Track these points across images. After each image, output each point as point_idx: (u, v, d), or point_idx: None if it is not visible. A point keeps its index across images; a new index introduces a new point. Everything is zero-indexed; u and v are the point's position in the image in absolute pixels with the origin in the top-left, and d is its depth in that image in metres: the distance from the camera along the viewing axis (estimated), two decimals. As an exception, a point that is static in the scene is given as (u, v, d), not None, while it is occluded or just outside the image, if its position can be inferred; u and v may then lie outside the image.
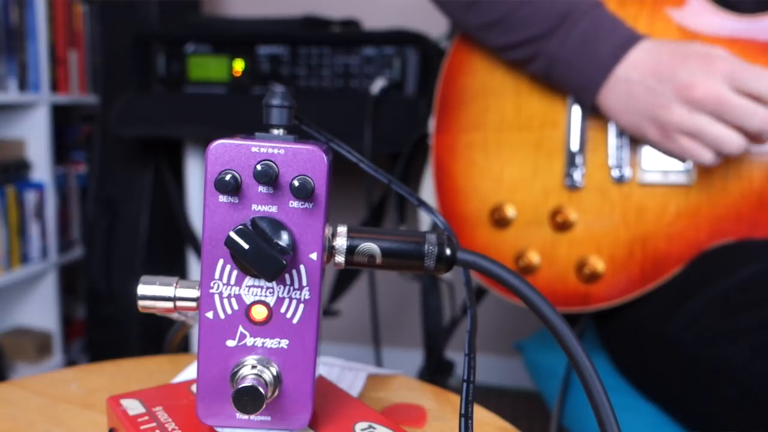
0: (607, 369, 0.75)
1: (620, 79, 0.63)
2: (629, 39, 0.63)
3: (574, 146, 0.69)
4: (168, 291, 0.33)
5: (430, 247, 0.32)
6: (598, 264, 0.67)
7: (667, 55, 0.61)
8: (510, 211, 0.70)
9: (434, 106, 0.75)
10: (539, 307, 0.30)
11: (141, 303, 0.33)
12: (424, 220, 0.87)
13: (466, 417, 0.33)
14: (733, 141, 0.59)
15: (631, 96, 0.63)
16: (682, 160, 0.64)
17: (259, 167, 0.30)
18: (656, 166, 0.66)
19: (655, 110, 0.61)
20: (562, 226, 0.68)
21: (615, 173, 0.67)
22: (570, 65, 0.65)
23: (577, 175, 0.68)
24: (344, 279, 1.19)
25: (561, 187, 0.69)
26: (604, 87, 0.64)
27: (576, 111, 0.69)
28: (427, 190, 0.81)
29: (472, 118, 0.73)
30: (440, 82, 0.75)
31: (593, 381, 0.29)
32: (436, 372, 0.95)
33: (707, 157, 0.60)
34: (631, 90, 0.62)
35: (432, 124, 0.76)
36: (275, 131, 0.33)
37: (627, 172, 0.67)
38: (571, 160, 0.69)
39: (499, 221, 0.70)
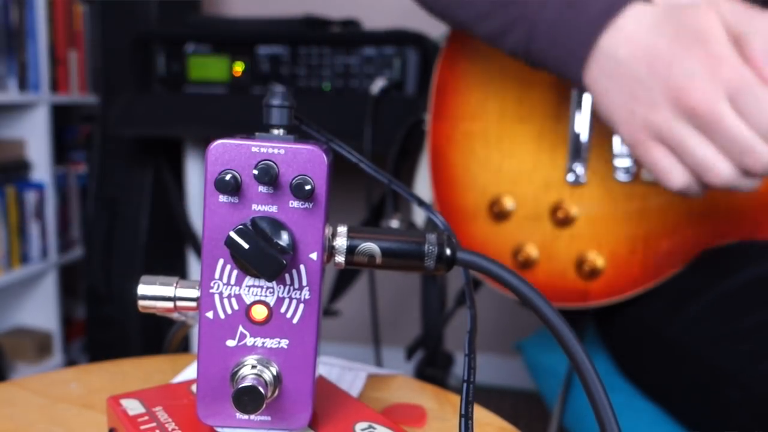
0: (608, 369, 0.75)
1: (605, 51, 0.52)
2: (619, 1, 0.52)
3: (578, 139, 0.68)
4: (168, 291, 0.33)
5: (430, 247, 0.32)
6: (598, 260, 0.67)
7: (666, 38, 0.49)
8: (509, 204, 0.69)
9: (431, 91, 0.74)
10: (539, 308, 0.30)
11: (141, 303, 0.33)
12: (418, 209, 0.86)
13: (467, 417, 0.33)
14: (720, 171, 0.48)
15: (615, 79, 0.51)
16: (649, 171, 0.54)
17: (259, 167, 0.30)
18: None
19: (638, 105, 0.50)
20: (562, 221, 0.68)
21: (620, 170, 0.67)
22: (551, 35, 0.55)
23: (580, 170, 0.67)
24: (344, 279, 1.19)
25: (563, 181, 0.68)
26: (589, 60, 0.53)
27: (582, 104, 0.68)
28: (422, 180, 0.80)
29: (472, 107, 0.71)
30: (438, 67, 0.73)
31: (593, 381, 0.29)
32: (433, 364, 0.95)
33: (678, 178, 0.50)
34: (615, 72, 0.51)
35: (429, 110, 0.74)
36: (275, 131, 0.33)
37: (632, 169, 0.66)
38: (574, 155, 0.68)
39: (498, 214, 0.70)
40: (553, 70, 0.57)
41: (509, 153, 0.70)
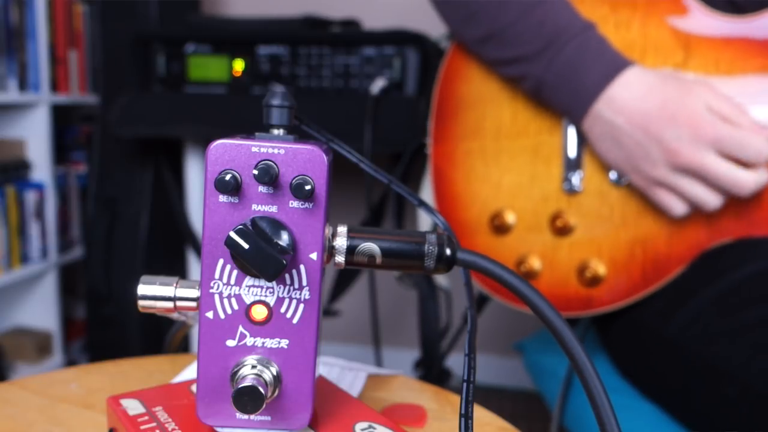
0: (608, 369, 0.75)
1: (603, 116, 0.63)
2: (612, 70, 0.63)
3: (571, 150, 0.69)
4: (168, 291, 0.33)
5: (430, 247, 0.32)
6: (599, 267, 0.67)
7: (656, 109, 0.61)
8: (510, 217, 0.70)
9: (431, 115, 0.76)
10: (539, 307, 0.30)
11: (141, 303, 0.33)
12: (424, 226, 0.87)
13: (466, 417, 0.33)
14: (711, 201, 0.61)
15: (617, 142, 0.63)
16: (656, 205, 0.65)
17: (259, 167, 0.30)
18: None
19: (640, 162, 0.62)
20: (562, 230, 0.68)
21: (613, 176, 0.67)
22: (555, 90, 0.66)
23: (576, 179, 0.68)
24: (344, 279, 1.19)
25: (560, 191, 0.69)
26: (587, 117, 0.65)
27: None
28: (426, 199, 0.81)
29: (470, 126, 0.73)
30: (437, 90, 0.76)
31: (593, 381, 0.29)
32: (432, 381, 0.95)
33: (680, 209, 0.63)
34: (618, 137, 0.63)
35: (430, 130, 0.76)
36: (275, 131, 0.33)
37: None
38: (568, 165, 0.69)
39: (499, 227, 0.71)
40: (558, 113, 0.69)
41: (507, 168, 0.71)
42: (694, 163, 0.59)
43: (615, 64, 0.63)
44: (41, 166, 1.60)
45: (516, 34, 0.67)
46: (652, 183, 0.63)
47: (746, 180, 0.59)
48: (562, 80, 0.65)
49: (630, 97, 0.62)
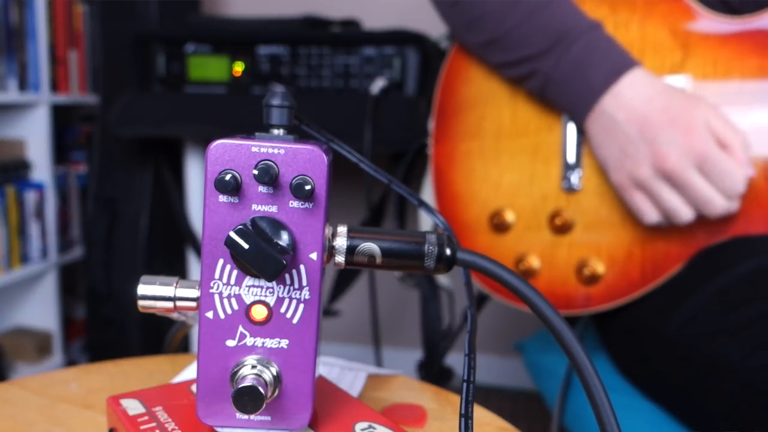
0: (608, 368, 0.75)
1: (606, 111, 0.64)
2: (620, 68, 0.63)
3: (570, 149, 0.69)
4: (168, 291, 0.33)
5: (430, 247, 0.32)
6: (598, 266, 0.67)
7: (657, 110, 0.61)
8: (509, 216, 0.71)
9: (432, 115, 0.76)
10: (539, 307, 0.30)
11: (141, 303, 0.33)
12: (425, 225, 0.87)
13: (466, 417, 0.33)
14: (684, 214, 0.62)
15: (611, 136, 0.64)
16: (629, 208, 0.65)
17: (259, 167, 0.30)
18: None
19: (626, 160, 0.63)
20: (561, 228, 0.69)
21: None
22: (562, 87, 0.66)
23: (575, 178, 0.69)
24: (344, 279, 1.19)
25: (559, 190, 0.69)
26: (592, 113, 0.65)
27: None
28: (427, 199, 0.81)
29: (470, 126, 0.73)
30: (438, 91, 0.76)
31: (593, 380, 0.29)
32: (434, 380, 0.95)
33: (652, 217, 0.63)
34: (613, 131, 0.63)
35: (431, 128, 0.76)
36: (275, 131, 0.33)
37: None
38: (567, 164, 0.69)
39: (499, 226, 0.71)
40: (563, 112, 0.69)
41: (507, 167, 0.71)
42: (677, 171, 0.60)
43: (623, 63, 0.63)
44: (41, 166, 1.60)
45: (521, 37, 0.67)
46: (633, 184, 0.63)
47: (718, 203, 0.60)
48: (569, 77, 0.65)
49: (635, 96, 0.62)
